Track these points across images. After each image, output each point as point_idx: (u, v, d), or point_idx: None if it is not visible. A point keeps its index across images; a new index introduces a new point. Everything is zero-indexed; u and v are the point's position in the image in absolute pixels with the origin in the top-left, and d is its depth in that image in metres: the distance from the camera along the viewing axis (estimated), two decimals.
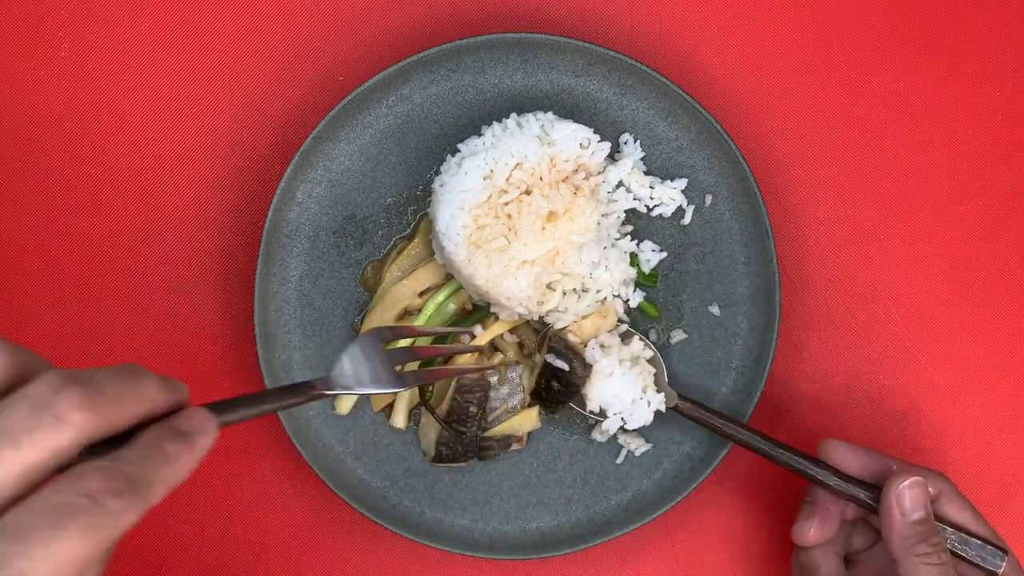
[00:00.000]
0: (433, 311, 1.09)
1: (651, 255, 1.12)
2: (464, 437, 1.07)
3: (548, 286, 1.07)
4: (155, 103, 1.16)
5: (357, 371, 0.85)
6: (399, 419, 1.09)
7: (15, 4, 1.16)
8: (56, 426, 0.58)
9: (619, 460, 1.11)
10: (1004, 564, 0.95)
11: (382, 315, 1.09)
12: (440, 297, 1.10)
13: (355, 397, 1.09)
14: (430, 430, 1.09)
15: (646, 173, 1.12)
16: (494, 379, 1.09)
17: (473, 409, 1.07)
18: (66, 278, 1.14)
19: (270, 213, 1.08)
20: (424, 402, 1.07)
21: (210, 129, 1.16)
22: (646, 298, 1.12)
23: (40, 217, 1.14)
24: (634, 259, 1.11)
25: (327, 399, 1.09)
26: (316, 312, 1.11)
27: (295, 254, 1.10)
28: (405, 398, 1.09)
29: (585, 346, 1.06)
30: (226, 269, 1.14)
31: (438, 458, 1.08)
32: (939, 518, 0.97)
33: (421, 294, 1.10)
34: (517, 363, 1.10)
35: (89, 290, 1.14)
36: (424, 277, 1.09)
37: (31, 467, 0.57)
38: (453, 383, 1.07)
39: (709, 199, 1.12)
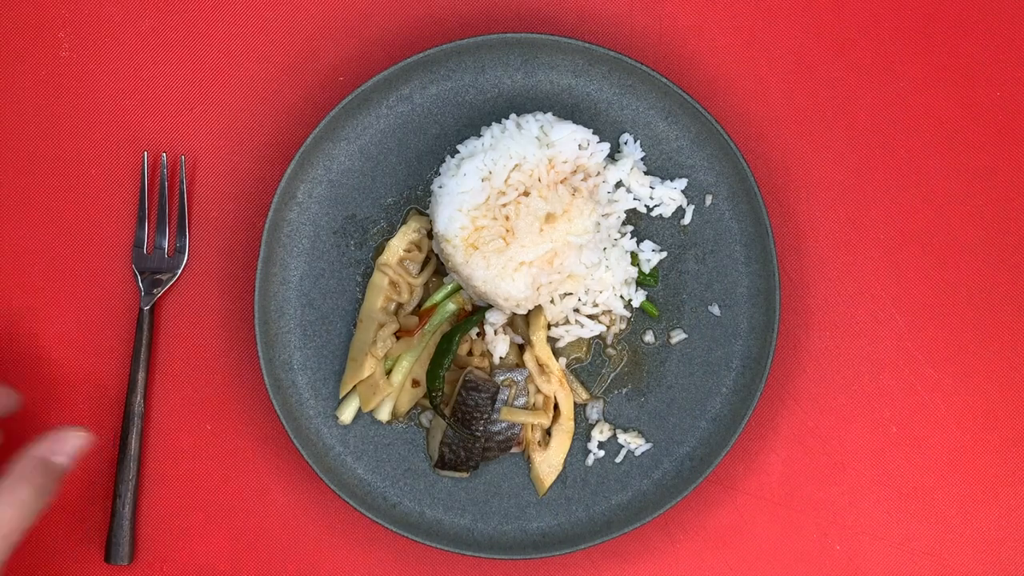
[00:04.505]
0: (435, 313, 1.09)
1: (651, 255, 1.12)
2: (468, 440, 1.07)
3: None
4: (155, 103, 1.16)
5: None
6: (383, 412, 1.10)
7: (15, 4, 1.16)
8: None
9: (619, 460, 1.11)
10: None
11: (364, 335, 1.09)
12: (439, 296, 1.10)
13: (357, 406, 1.10)
14: (437, 432, 1.09)
15: (646, 173, 1.12)
16: (501, 379, 1.09)
17: (480, 404, 1.06)
18: (66, 277, 1.14)
19: (270, 213, 1.08)
20: (432, 402, 1.07)
21: (210, 129, 1.16)
22: (647, 298, 1.12)
23: (41, 216, 1.14)
24: (635, 259, 1.11)
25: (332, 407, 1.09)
26: (316, 312, 1.11)
27: (295, 254, 1.11)
28: (393, 395, 1.09)
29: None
30: (226, 269, 1.14)
31: (441, 462, 1.08)
32: None
33: (395, 311, 1.10)
34: (518, 366, 1.10)
35: (89, 289, 1.14)
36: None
37: None
38: (460, 380, 1.07)
39: (709, 199, 1.12)
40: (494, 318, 1.09)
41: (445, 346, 1.07)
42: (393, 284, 1.09)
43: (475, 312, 1.09)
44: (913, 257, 1.16)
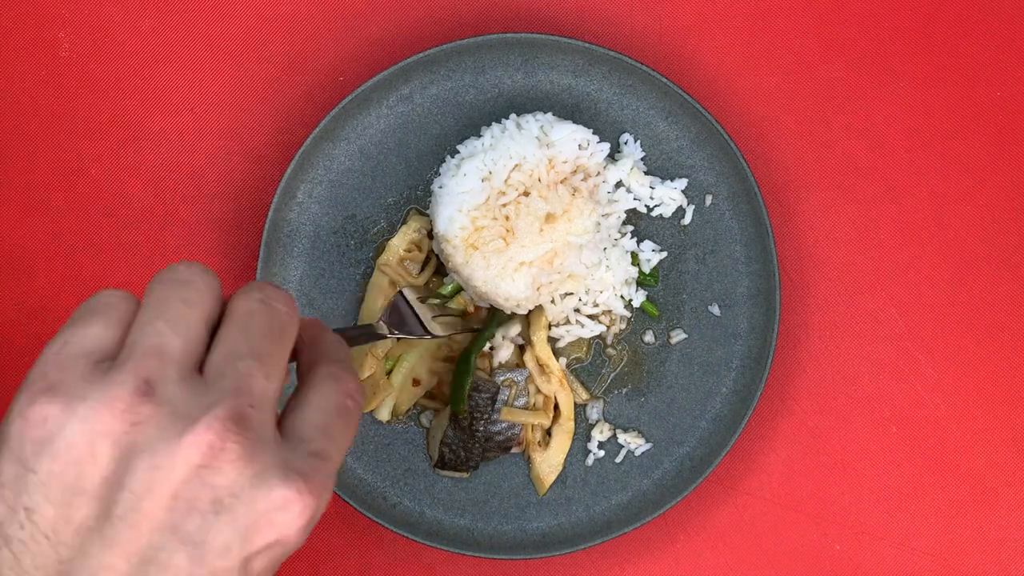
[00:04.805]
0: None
1: (651, 255, 1.12)
2: (468, 440, 1.07)
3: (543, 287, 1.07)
4: (155, 103, 1.16)
5: (404, 319, 1.03)
6: (383, 412, 1.10)
7: (15, 4, 1.16)
8: (204, 291, 0.63)
9: (619, 460, 1.11)
10: None
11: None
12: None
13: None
14: (437, 432, 1.09)
15: (646, 173, 1.12)
16: (502, 379, 1.09)
17: (480, 405, 1.06)
18: (66, 278, 1.14)
19: (270, 213, 1.08)
20: (460, 424, 1.07)
21: (210, 129, 1.16)
22: (647, 298, 1.12)
23: (40, 217, 1.14)
24: (635, 258, 1.11)
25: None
26: (317, 312, 1.11)
27: (295, 254, 1.11)
28: (393, 395, 1.09)
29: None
30: (226, 269, 1.14)
31: (441, 462, 1.08)
32: None
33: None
34: (519, 366, 1.10)
35: (90, 289, 1.14)
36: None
37: (204, 328, 0.61)
38: None
39: (709, 199, 1.12)
40: (510, 332, 1.09)
41: (464, 367, 1.06)
42: (393, 284, 1.09)
43: (486, 328, 1.09)
44: (913, 257, 1.16)
